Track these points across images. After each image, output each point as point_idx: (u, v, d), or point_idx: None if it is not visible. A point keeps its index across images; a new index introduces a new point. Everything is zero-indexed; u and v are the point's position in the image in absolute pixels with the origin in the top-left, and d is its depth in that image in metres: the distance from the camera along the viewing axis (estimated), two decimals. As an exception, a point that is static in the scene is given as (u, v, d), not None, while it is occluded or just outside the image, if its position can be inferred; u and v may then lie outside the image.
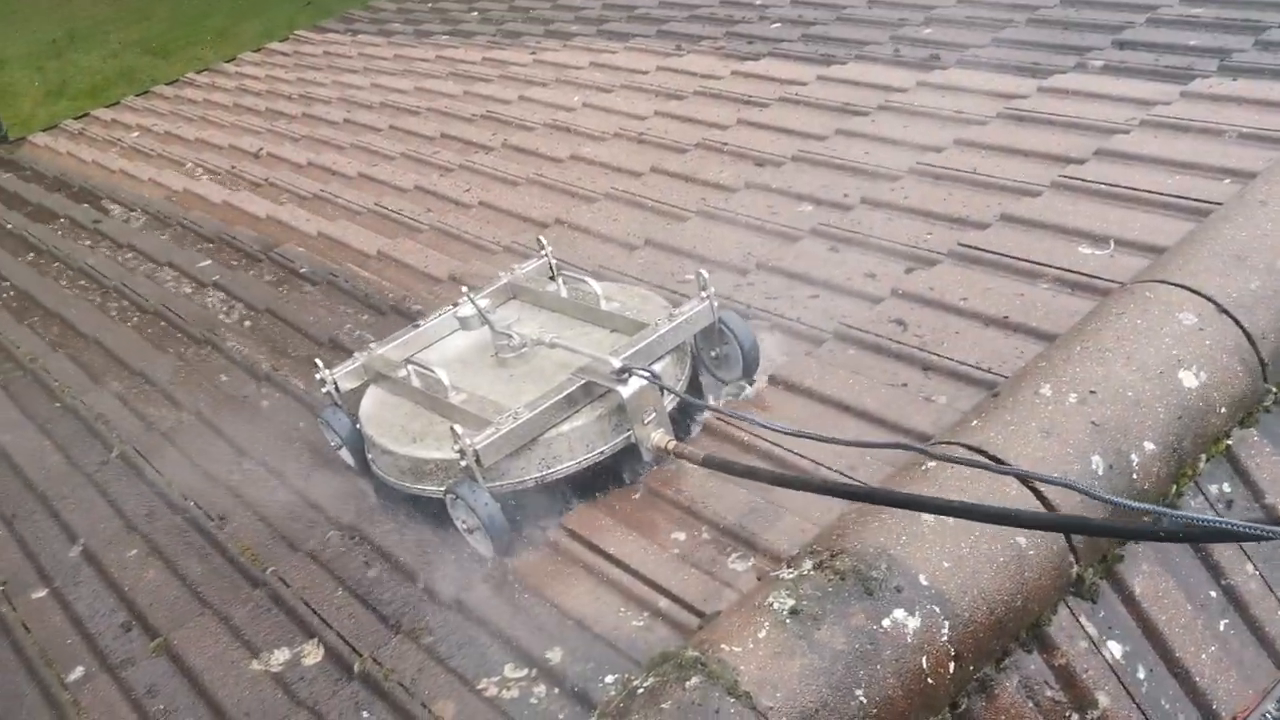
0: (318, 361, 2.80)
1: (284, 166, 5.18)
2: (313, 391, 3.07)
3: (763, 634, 1.81)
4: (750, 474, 2.14)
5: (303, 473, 2.85)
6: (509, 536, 2.32)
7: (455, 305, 2.87)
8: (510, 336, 2.67)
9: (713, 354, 2.68)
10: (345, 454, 2.75)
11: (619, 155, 4.19)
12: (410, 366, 2.62)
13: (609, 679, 1.96)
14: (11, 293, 4.61)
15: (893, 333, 2.64)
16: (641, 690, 1.79)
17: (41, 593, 2.67)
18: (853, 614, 1.81)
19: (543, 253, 2.99)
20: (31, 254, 4.97)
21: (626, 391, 2.33)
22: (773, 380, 2.62)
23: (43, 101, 15.06)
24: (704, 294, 2.57)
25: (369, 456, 2.65)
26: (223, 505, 2.81)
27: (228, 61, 7.42)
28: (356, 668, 2.15)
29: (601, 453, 2.40)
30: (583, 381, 2.39)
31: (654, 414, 2.38)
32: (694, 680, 1.76)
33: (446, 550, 2.41)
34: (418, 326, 2.86)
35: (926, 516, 1.94)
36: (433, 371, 2.53)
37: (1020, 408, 2.11)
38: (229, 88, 6.78)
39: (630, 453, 2.44)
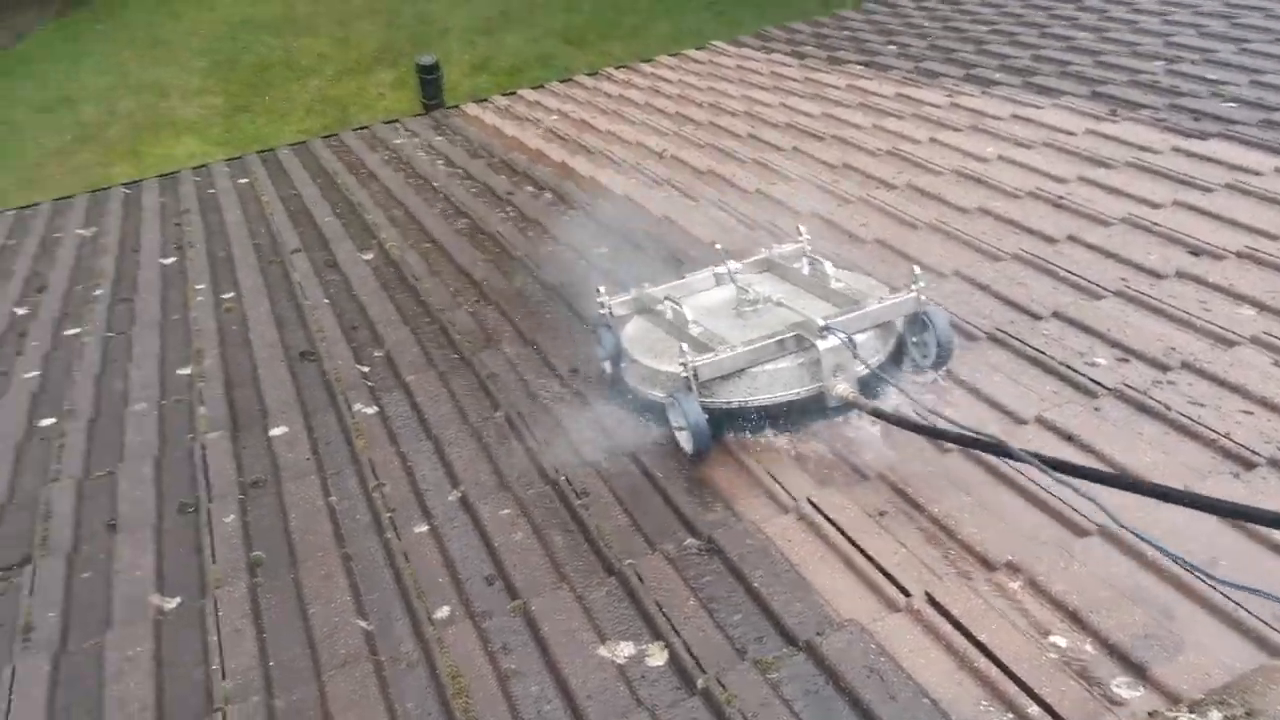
0: (599, 288, 3.40)
1: (685, 170, 5.36)
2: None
3: (1155, 780, 1.64)
4: (935, 433, 2.55)
5: (668, 472, 2.91)
6: (708, 440, 2.86)
7: (715, 267, 3.49)
8: (747, 292, 3.27)
9: (913, 340, 3.11)
10: (606, 364, 3.38)
11: (1032, 216, 3.98)
12: (667, 302, 3.23)
13: (963, 774, 1.84)
14: (428, 244, 5.06)
15: (1347, 475, 2.31)
16: (1003, 800, 1.66)
17: (423, 528, 2.88)
18: (1266, 789, 1.60)
19: (800, 239, 3.53)
20: (452, 212, 5.44)
21: (823, 345, 2.85)
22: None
23: (468, 73, 16.58)
24: (914, 287, 3.02)
25: (622, 366, 3.28)
26: (587, 483, 2.93)
27: (645, 62, 7.79)
28: (700, 684, 2.15)
29: (797, 393, 2.91)
30: (793, 334, 2.94)
31: (844, 371, 2.87)
32: (1067, 808, 1.62)
33: (804, 590, 2.37)
34: (683, 278, 3.49)
35: (1376, 701, 1.68)
36: (680, 307, 3.15)
37: None
38: (643, 86, 7.11)
39: (820, 401, 2.91)
